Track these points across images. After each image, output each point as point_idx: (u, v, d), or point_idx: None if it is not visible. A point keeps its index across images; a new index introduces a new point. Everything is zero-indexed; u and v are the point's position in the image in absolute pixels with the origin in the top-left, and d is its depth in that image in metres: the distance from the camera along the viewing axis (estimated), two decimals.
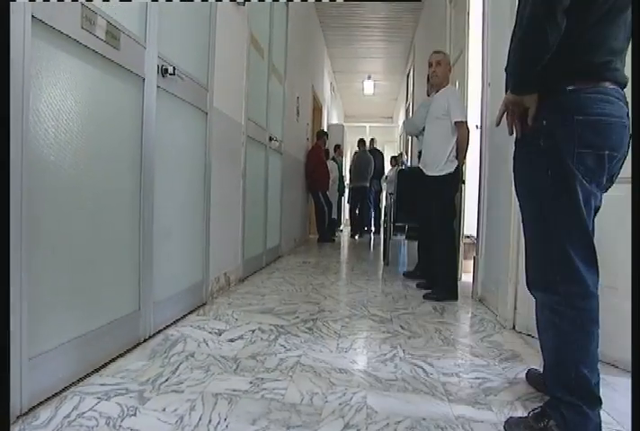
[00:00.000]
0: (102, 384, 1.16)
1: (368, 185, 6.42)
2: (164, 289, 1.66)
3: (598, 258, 1.00)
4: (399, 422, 1.03)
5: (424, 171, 2.54)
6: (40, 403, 1.03)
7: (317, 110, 6.35)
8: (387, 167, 7.18)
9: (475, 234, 2.92)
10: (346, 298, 2.33)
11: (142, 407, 1.04)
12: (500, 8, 2.17)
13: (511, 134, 1.07)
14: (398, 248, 5.07)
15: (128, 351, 1.40)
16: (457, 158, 2.43)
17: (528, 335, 1.75)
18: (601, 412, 0.96)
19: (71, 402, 1.05)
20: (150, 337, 1.54)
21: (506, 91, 1.04)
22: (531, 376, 1.27)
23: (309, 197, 5.38)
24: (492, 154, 2.35)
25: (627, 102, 0.96)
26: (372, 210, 6.98)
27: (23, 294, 0.96)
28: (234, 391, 1.15)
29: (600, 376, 0.98)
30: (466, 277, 2.97)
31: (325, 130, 6.19)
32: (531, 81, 0.96)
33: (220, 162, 2.27)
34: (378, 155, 6.91)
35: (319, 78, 6.34)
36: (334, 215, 5.99)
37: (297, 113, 4.63)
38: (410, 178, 3.17)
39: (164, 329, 1.65)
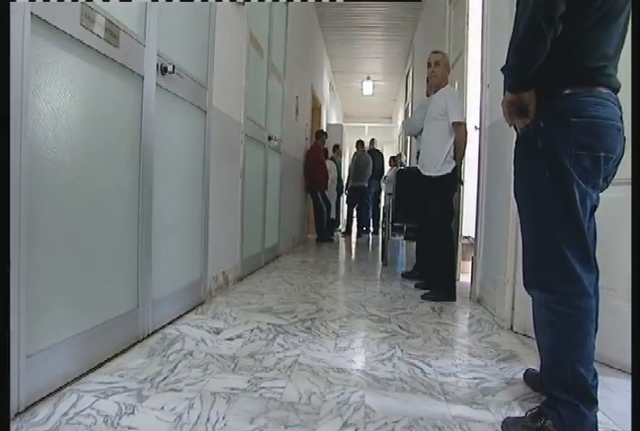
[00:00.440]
0: (100, 382, 1.16)
1: (366, 185, 6.43)
2: (162, 287, 1.66)
3: (596, 259, 1.01)
4: (397, 421, 1.03)
5: (422, 171, 2.55)
6: (38, 401, 1.02)
7: (316, 110, 6.35)
8: (387, 167, 7.18)
9: (473, 235, 2.93)
10: (344, 298, 2.33)
11: (140, 405, 1.04)
12: (499, 10, 2.18)
13: (518, 126, 1.10)
14: (397, 248, 5.07)
15: (127, 349, 1.40)
16: (454, 159, 2.44)
17: (526, 335, 1.76)
18: (598, 412, 0.96)
19: (69, 400, 1.05)
20: (149, 335, 1.54)
21: (504, 92, 1.05)
22: (529, 376, 1.28)
23: (308, 196, 5.39)
24: (490, 155, 2.36)
25: (621, 106, 0.98)
26: (371, 210, 6.98)
27: (21, 292, 0.96)
28: (232, 389, 1.15)
29: (599, 377, 0.98)
30: (464, 277, 2.97)
31: (324, 130, 6.19)
32: (528, 80, 0.99)
33: (219, 161, 2.27)
34: (378, 156, 6.92)
35: (318, 78, 6.35)
36: (333, 215, 5.99)
37: (297, 113, 4.63)
38: (408, 178, 3.18)
39: (163, 327, 1.65)
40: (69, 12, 1.09)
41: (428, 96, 3.02)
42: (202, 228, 2.08)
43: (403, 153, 7.29)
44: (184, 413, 1.02)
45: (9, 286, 0.91)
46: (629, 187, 1.19)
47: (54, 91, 1.07)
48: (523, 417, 1.01)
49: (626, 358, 1.37)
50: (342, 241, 5.84)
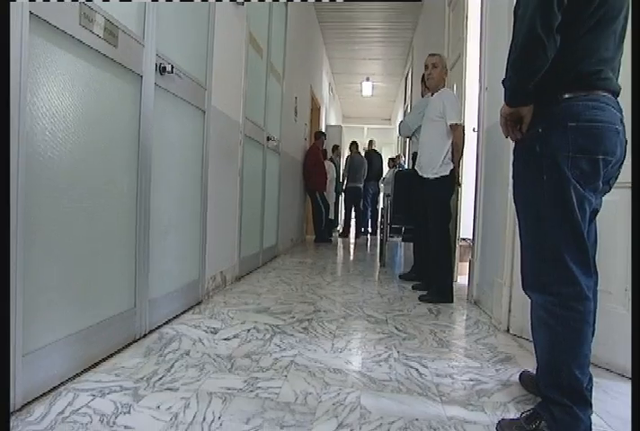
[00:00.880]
0: (96, 381, 1.16)
1: (361, 186, 6.45)
2: (159, 287, 1.66)
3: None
4: (392, 422, 1.03)
5: (420, 173, 2.55)
6: (34, 399, 1.02)
7: (315, 111, 6.36)
8: (386, 169, 7.19)
9: (470, 237, 2.94)
10: (342, 299, 2.34)
11: (136, 404, 1.04)
12: (498, 13, 2.19)
13: (512, 139, 1.11)
14: (394, 249, 5.08)
15: (124, 349, 1.40)
16: (452, 160, 2.45)
17: (522, 337, 1.76)
18: (593, 415, 0.97)
19: (65, 399, 1.05)
20: (145, 335, 1.54)
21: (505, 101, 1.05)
22: (524, 378, 1.28)
23: (307, 197, 5.39)
24: (488, 158, 2.37)
25: (621, 109, 0.99)
26: (369, 211, 6.99)
27: (18, 291, 0.96)
28: (228, 389, 1.15)
29: (594, 380, 0.99)
30: (461, 279, 2.98)
31: (323, 131, 6.20)
32: (526, 95, 0.99)
33: (217, 161, 2.27)
34: (376, 157, 6.93)
35: (317, 79, 6.35)
36: (332, 216, 5.99)
37: (296, 113, 4.64)
38: (406, 179, 3.18)
39: (160, 327, 1.65)
40: (68, 11, 1.09)
41: (422, 97, 3.03)
42: (200, 228, 2.08)
43: (402, 155, 7.31)
44: (180, 412, 1.02)
45: (9, 286, 0.91)
46: (626, 190, 1.20)
47: (53, 90, 1.08)
48: (518, 418, 1.01)
49: (621, 361, 1.38)
50: (340, 241, 5.85)
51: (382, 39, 6.54)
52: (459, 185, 2.80)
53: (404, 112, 7.35)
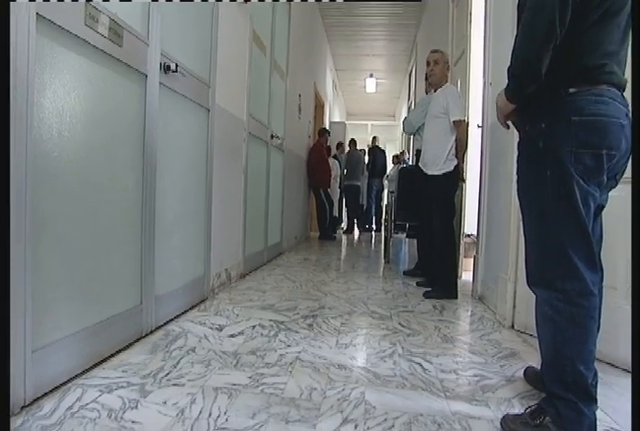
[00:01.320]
0: (104, 377, 1.17)
1: (359, 184, 6.45)
2: (165, 284, 1.67)
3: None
4: (397, 418, 1.04)
5: (424, 169, 2.55)
6: (44, 395, 1.04)
7: (319, 108, 6.35)
8: (390, 165, 7.18)
9: (475, 233, 2.93)
10: (346, 295, 2.34)
11: (143, 399, 1.06)
12: (502, 8, 2.17)
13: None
14: (399, 246, 5.08)
15: (130, 345, 1.42)
16: (456, 156, 2.44)
17: (527, 333, 1.76)
18: (598, 410, 0.97)
19: (74, 394, 1.07)
20: (152, 331, 1.56)
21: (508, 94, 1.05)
22: (529, 374, 1.28)
23: (311, 194, 5.40)
24: (492, 153, 2.36)
25: (627, 103, 0.98)
26: (374, 208, 6.99)
27: (27, 288, 0.97)
28: (234, 385, 1.17)
29: (599, 376, 0.99)
30: (466, 275, 2.98)
31: (327, 128, 6.19)
32: (529, 92, 0.99)
33: (222, 159, 2.28)
34: (381, 154, 6.91)
35: (321, 76, 6.34)
36: (336, 213, 6.00)
37: (299, 111, 4.64)
38: (411, 176, 3.18)
39: (166, 323, 1.67)
40: (74, 11, 1.10)
41: (427, 94, 3.02)
42: (205, 225, 2.10)
43: (406, 151, 7.28)
44: (186, 408, 1.03)
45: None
46: (628, 186, 1.19)
47: (59, 90, 1.09)
48: (522, 414, 1.02)
49: (626, 357, 1.37)
50: (344, 238, 5.85)
51: (386, 35, 6.51)
52: (464, 181, 2.79)
53: (408, 109, 7.32)
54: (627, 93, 1.01)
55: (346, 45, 6.97)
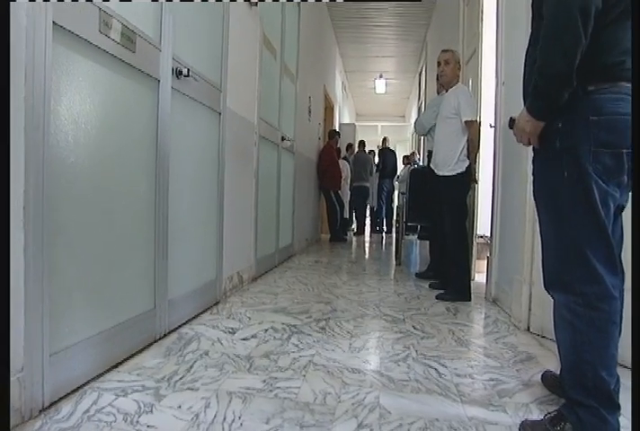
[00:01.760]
0: (119, 381, 1.18)
1: (368, 185, 6.42)
2: (178, 288, 1.68)
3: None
4: (412, 423, 1.03)
5: (435, 170, 2.53)
6: (61, 398, 1.06)
7: (329, 110, 6.35)
8: (400, 166, 7.14)
9: (488, 234, 2.89)
10: (358, 298, 2.33)
11: (158, 404, 1.06)
12: (514, 6, 2.14)
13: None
14: (410, 248, 5.05)
15: (144, 349, 1.43)
16: (468, 157, 2.42)
17: (543, 336, 1.73)
18: (621, 417, 0.94)
19: (90, 398, 1.08)
20: (165, 335, 1.57)
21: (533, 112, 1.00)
22: (547, 379, 1.26)
23: (321, 196, 5.39)
24: (506, 153, 2.33)
25: None
26: (384, 210, 6.95)
27: (45, 292, 0.99)
28: (247, 389, 1.17)
29: (621, 381, 0.96)
30: (479, 277, 2.94)
31: (337, 130, 6.19)
32: (559, 104, 0.94)
33: (233, 162, 2.29)
34: (391, 155, 6.88)
35: (331, 78, 6.34)
36: (346, 215, 5.99)
37: (309, 113, 4.64)
38: (422, 177, 3.15)
39: (179, 327, 1.68)
40: (88, 19, 1.11)
41: (438, 94, 3.00)
42: (217, 228, 2.11)
43: (416, 152, 7.24)
44: (201, 412, 1.03)
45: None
46: None
47: (74, 97, 1.10)
48: (542, 420, 1.00)
49: None
50: (355, 240, 5.84)
51: (395, 36, 6.49)
52: (476, 182, 2.76)
53: (419, 109, 7.28)
54: None
55: (355, 46, 6.96)
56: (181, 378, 1.22)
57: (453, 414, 1.08)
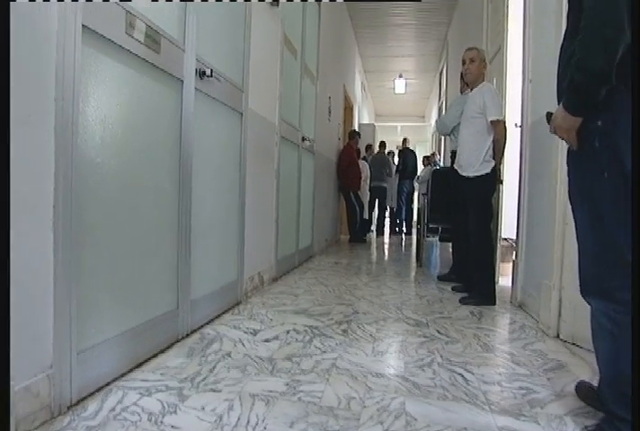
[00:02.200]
0: (143, 380, 1.19)
1: (385, 185, 6.37)
2: (200, 288, 1.69)
3: None
4: None
5: (459, 171, 2.47)
6: (88, 396, 1.06)
7: (348, 110, 6.32)
8: (420, 167, 7.06)
9: (512, 236, 2.81)
10: (380, 300, 2.30)
11: (182, 404, 1.06)
12: (543, 0, 2.08)
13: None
14: (431, 249, 4.97)
15: (167, 348, 1.43)
16: (493, 158, 2.35)
17: (575, 344, 1.66)
18: None
19: (115, 396, 1.08)
20: (187, 335, 1.57)
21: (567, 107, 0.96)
22: (582, 390, 1.20)
23: (340, 196, 5.37)
24: (533, 153, 2.26)
25: None
26: (404, 211, 6.88)
27: (73, 292, 1.00)
28: (270, 392, 1.15)
29: None
30: (503, 280, 2.87)
31: (357, 130, 6.15)
32: (597, 100, 0.90)
33: (255, 162, 2.29)
34: (411, 155, 6.81)
35: (350, 78, 6.31)
36: (366, 216, 5.94)
37: (329, 113, 4.63)
38: (444, 178, 3.10)
39: (201, 327, 1.68)
40: (115, 21, 1.12)
41: (462, 93, 2.93)
42: (239, 229, 2.11)
43: (436, 153, 7.14)
44: (224, 414, 1.03)
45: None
46: None
47: (101, 98, 1.11)
48: None
49: None
50: (374, 241, 5.78)
51: (415, 35, 6.41)
52: (501, 182, 2.69)
53: (439, 109, 7.18)
54: None
55: (375, 46, 6.91)
56: (203, 379, 1.21)
57: (482, 423, 1.04)
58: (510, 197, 2.78)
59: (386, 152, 6.92)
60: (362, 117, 8.23)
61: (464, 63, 2.51)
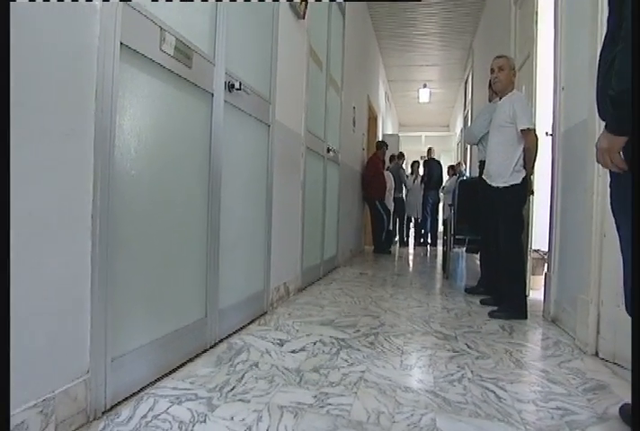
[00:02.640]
0: (173, 388, 1.20)
1: (401, 195, 6.35)
2: (228, 298, 1.70)
3: None
4: None
5: (488, 181, 2.42)
6: (121, 402, 1.09)
7: (372, 120, 6.33)
8: (445, 177, 6.96)
9: (543, 248, 2.72)
10: (406, 313, 2.26)
11: (211, 414, 1.06)
12: (575, 3, 2.03)
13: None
14: (457, 261, 4.86)
15: (196, 357, 1.45)
16: (524, 168, 2.29)
17: (616, 364, 1.57)
18: None
19: (147, 404, 1.10)
20: (215, 344, 1.58)
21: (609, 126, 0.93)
22: (627, 413, 1.13)
23: (365, 207, 5.34)
24: (566, 163, 2.19)
25: None
26: (429, 222, 6.77)
27: (108, 300, 1.02)
28: (298, 404, 1.14)
29: None
30: (533, 294, 2.77)
31: (383, 141, 6.14)
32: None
33: (281, 174, 2.32)
34: (436, 165, 6.73)
35: (374, 88, 6.34)
36: (390, 226, 5.88)
37: (354, 124, 4.64)
38: (471, 188, 3.04)
39: (228, 336, 1.69)
40: (151, 37, 1.17)
41: (490, 102, 2.89)
42: (265, 239, 2.13)
43: (462, 162, 7.03)
44: (254, 425, 1.02)
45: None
46: None
47: (137, 112, 1.15)
48: None
49: None
50: (398, 252, 5.71)
51: (440, 44, 6.39)
52: (532, 193, 2.61)
53: (465, 119, 7.09)
54: None
55: (399, 55, 6.92)
56: (232, 389, 1.22)
57: None
58: (541, 207, 2.70)
59: (411, 162, 6.86)
60: (386, 127, 8.22)
61: (492, 71, 2.48)
